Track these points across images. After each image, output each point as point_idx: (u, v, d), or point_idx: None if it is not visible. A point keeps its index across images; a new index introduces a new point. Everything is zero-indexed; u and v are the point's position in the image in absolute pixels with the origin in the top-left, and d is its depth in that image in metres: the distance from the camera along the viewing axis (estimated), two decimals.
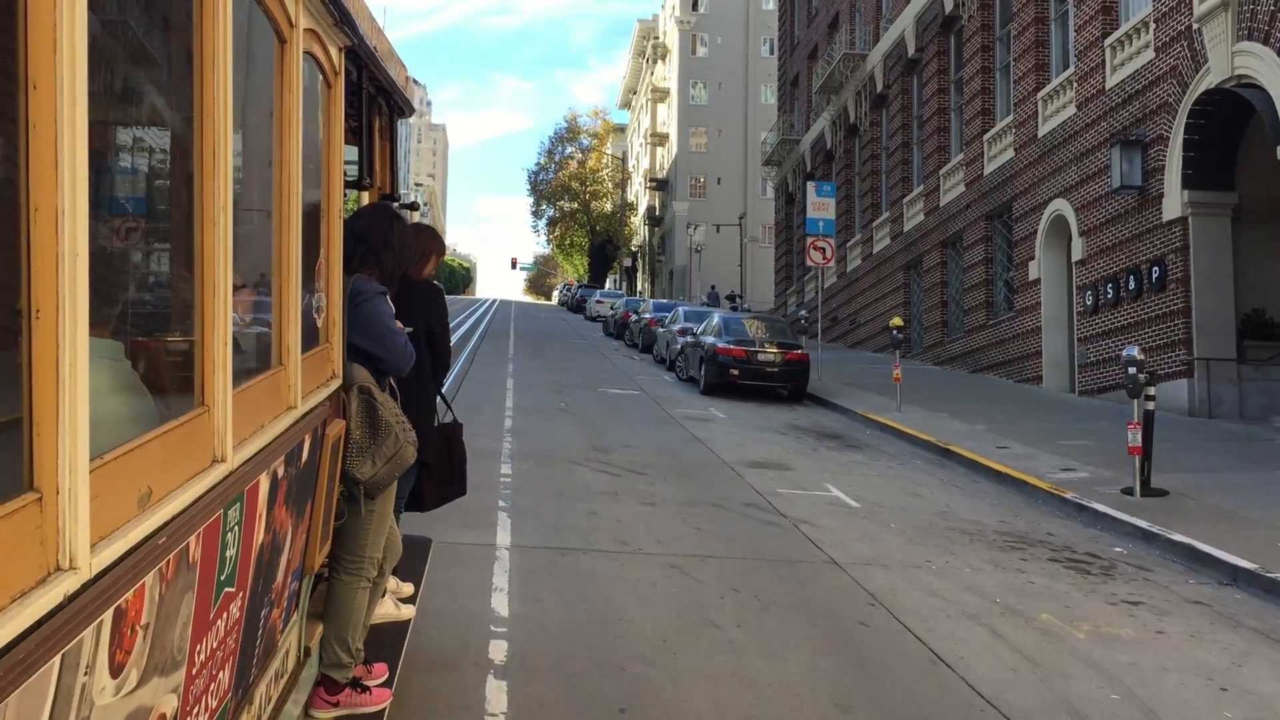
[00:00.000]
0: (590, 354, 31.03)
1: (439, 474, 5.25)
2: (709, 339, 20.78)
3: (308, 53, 3.35)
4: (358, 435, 3.91)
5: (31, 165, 1.53)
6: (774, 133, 46.44)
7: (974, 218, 25.16)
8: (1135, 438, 10.78)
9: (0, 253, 1.56)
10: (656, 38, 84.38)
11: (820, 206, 23.77)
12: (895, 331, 18.06)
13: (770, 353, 19.89)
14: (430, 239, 5.27)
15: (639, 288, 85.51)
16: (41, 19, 1.53)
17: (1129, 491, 10.87)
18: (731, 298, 54.07)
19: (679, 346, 24.26)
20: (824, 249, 23.58)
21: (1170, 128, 17.22)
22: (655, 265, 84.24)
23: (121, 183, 2.38)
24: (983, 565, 8.44)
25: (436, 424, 5.21)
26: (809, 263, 24.19)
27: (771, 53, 76.50)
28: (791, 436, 15.53)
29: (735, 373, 19.70)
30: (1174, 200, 17.16)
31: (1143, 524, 9.69)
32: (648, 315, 32.45)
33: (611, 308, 44.72)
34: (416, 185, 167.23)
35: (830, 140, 37.33)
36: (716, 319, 21.69)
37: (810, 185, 24.57)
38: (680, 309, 27.53)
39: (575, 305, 66.00)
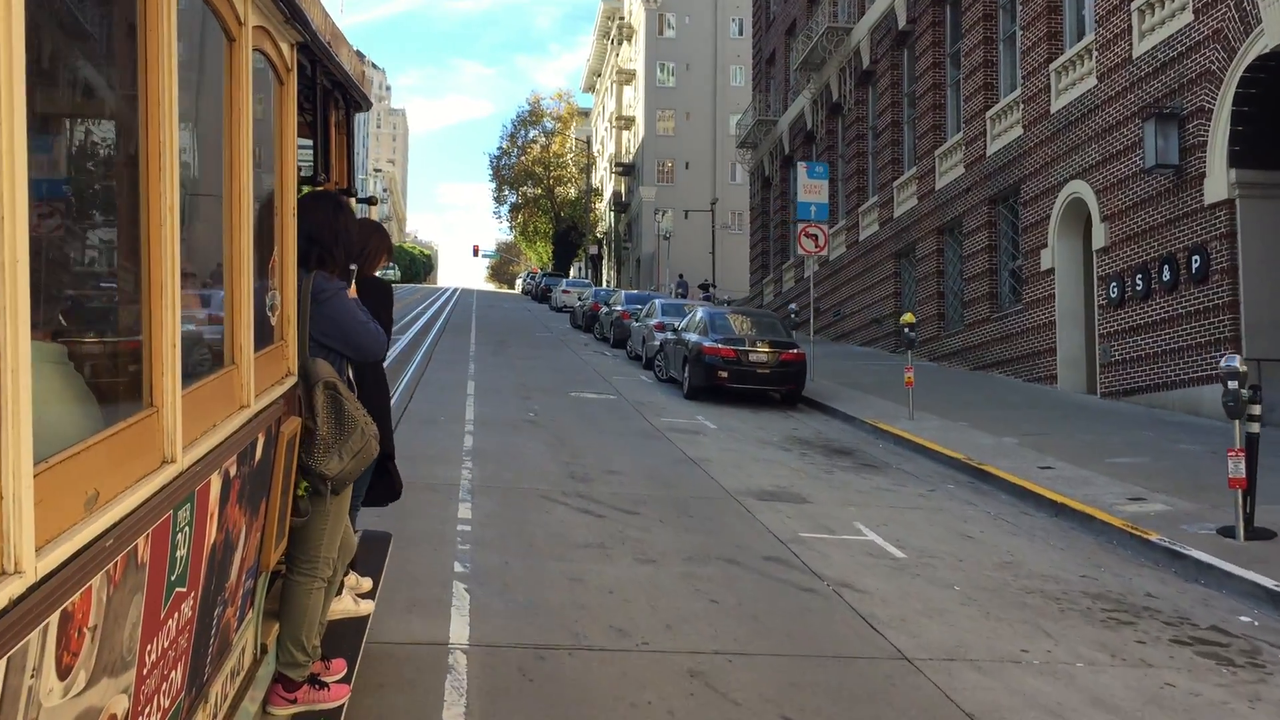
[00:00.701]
0: (558, 350, 28.82)
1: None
2: (693, 336, 18.68)
3: (258, 49, 3.33)
4: (324, 431, 3.89)
5: None
6: (748, 114, 44.34)
7: (975, 201, 23.22)
8: (1237, 468, 8.79)
9: None
10: (622, 18, 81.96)
11: (812, 190, 21.72)
12: (907, 329, 16.02)
13: (762, 352, 17.82)
14: (379, 239, 5.15)
15: (605, 276, 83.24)
16: None
17: (1228, 532, 8.90)
18: (704, 286, 52.06)
19: (657, 343, 22.16)
20: (816, 235, 21.54)
21: (1213, 99, 15.29)
22: (621, 253, 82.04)
23: (65, 182, 2.36)
24: (1096, 655, 6.40)
25: None
26: (800, 251, 22.11)
27: (742, 33, 74.57)
28: (797, 453, 13.46)
29: (724, 375, 17.61)
30: (1218, 181, 15.24)
31: (1269, 583, 7.71)
32: (620, 308, 30.29)
33: (579, 298, 42.47)
34: (375, 171, 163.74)
35: (811, 120, 35.30)
36: (701, 315, 19.58)
37: (800, 166, 22.48)
38: (657, 301, 25.41)
39: (540, 294, 63.64)
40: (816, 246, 21.69)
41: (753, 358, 17.77)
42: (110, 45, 2.42)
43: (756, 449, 13.56)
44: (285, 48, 3.76)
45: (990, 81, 22.95)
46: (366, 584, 5.24)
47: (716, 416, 16.43)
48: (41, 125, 2.08)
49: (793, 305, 22.98)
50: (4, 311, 1.57)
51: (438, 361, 22.61)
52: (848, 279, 31.32)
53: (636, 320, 26.10)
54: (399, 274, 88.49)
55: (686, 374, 18.45)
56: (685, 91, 73.75)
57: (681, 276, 55.57)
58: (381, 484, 5.23)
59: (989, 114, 22.71)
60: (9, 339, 1.58)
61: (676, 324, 21.41)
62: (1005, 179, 21.91)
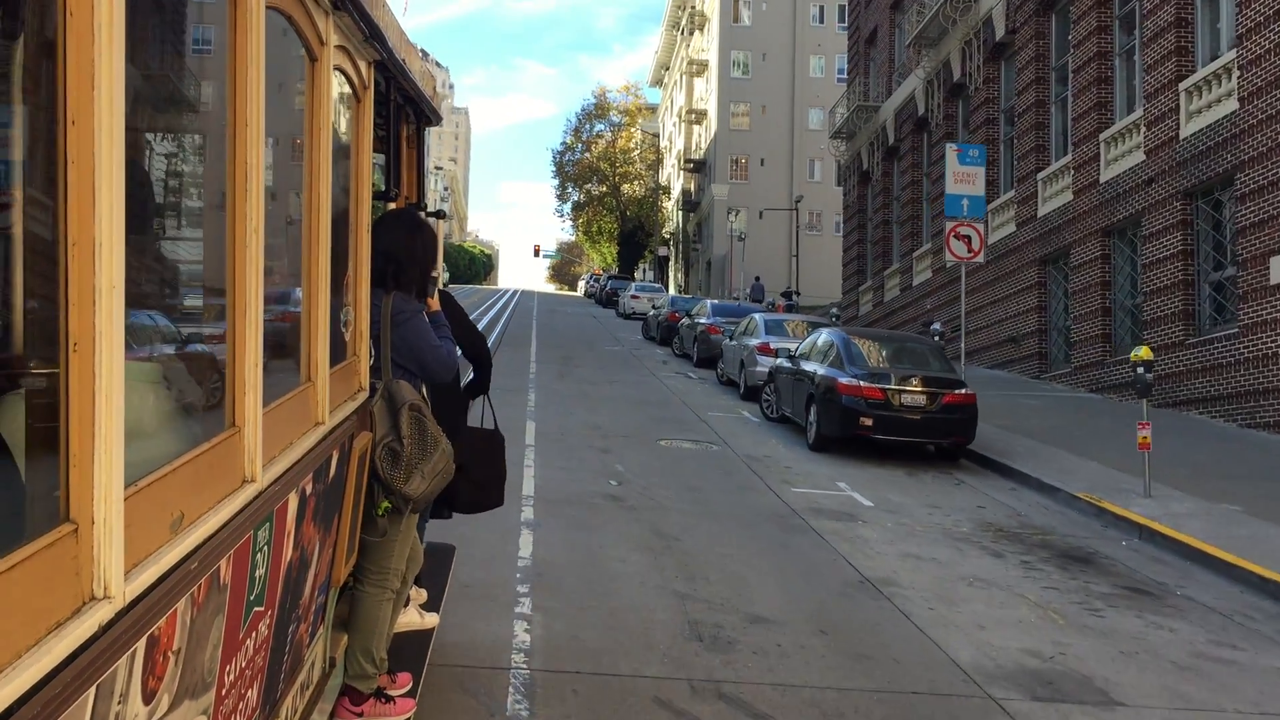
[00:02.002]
0: (633, 369, 24.49)
1: (476, 475, 5.15)
2: (819, 368, 14.25)
3: (338, 68, 3.38)
4: (409, 451, 3.90)
5: (70, 200, 1.55)
6: (843, 101, 39.69)
7: (1162, 195, 18.45)
8: None
9: (39, 286, 1.62)
10: (694, 6, 77.50)
11: (965, 178, 17.21)
12: (1140, 368, 11.36)
13: (918, 393, 13.33)
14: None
15: (672, 278, 78.90)
16: (80, 55, 1.54)
17: None
18: (787, 294, 47.50)
19: (762, 370, 17.80)
20: (969, 237, 17.00)
21: None
22: (690, 255, 77.67)
23: (157, 204, 2.36)
24: None
25: (479, 429, 5.33)
26: (950, 258, 17.54)
27: (823, 20, 69.80)
28: (1015, 561, 9.00)
29: (867, 423, 13.15)
30: None
31: None
32: (705, 320, 25.88)
33: (653, 305, 38.11)
34: (437, 169, 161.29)
35: (925, 104, 30.58)
36: (826, 338, 15.12)
37: (950, 150, 17.89)
38: (758, 318, 20.93)
39: (605, 299, 59.15)
40: (970, 251, 17.15)
41: (906, 399, 13.29)
42: (200, 71, 2.54)
43: (954, 554, 9.11)
44: (364, 65, 3.80)
45: (1184, 44, 18.18)
46: (423, 595, 5.13)
47: (864, 482, 12.01)
48: (137, 158, 2.08)
49: (936, 324, 18.32)
50: (100, 336, 1.59)
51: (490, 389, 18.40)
52: (971, 289, 26.58)
53: (730, 338, 21.67)
54: (448, 276, 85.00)
55: (813, 418, 14.01)
56: (761, 83, 69.02)
57: (758, 280, 51.04)
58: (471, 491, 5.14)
59: (1183, 86, 17.95)
60: (104, 363, 1.59)
61: (790, 347, 16.98)
62: (1209, 167, 17.15)
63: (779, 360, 16.48)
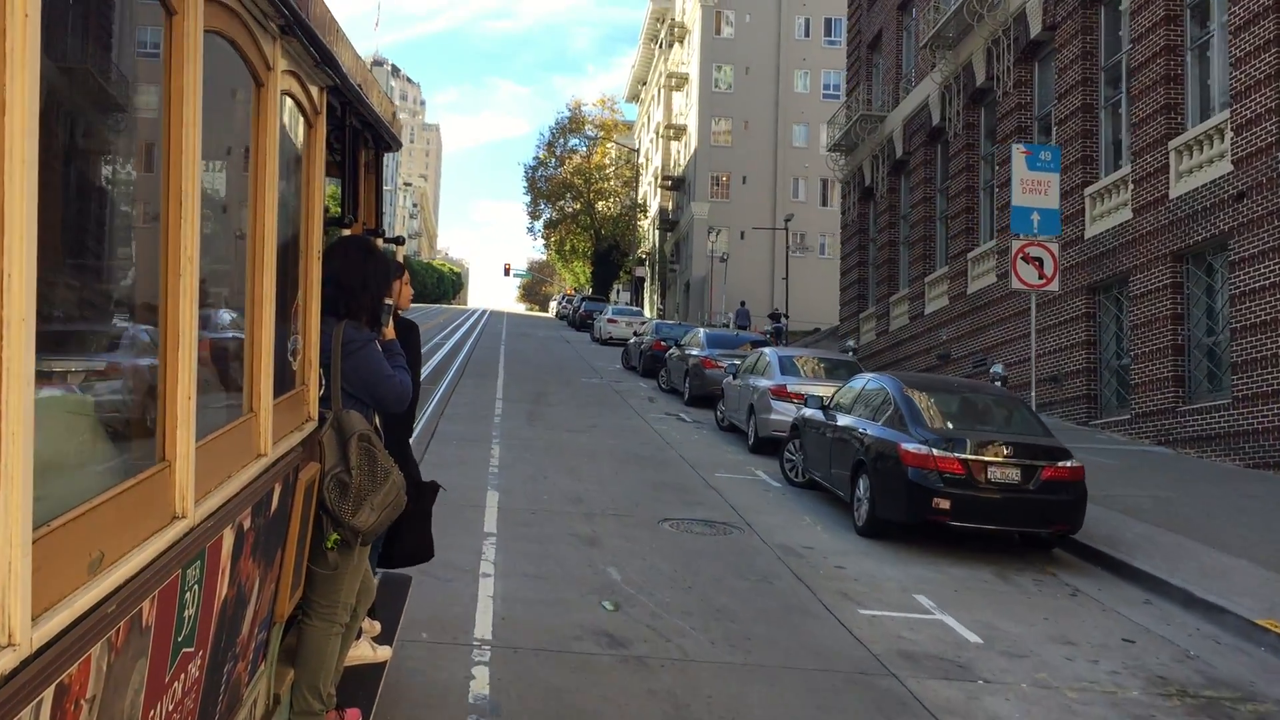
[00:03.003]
0: (616, 408, 21.09)
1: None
2: (870, 427, 10.96)
3: (286, 93, 3.30)
4: (359, 483, 3.82)
5: None
6: (842, 112, 36.63)
7: (1256, 214, 15.34)
8: None
9: None
10: (673, 18, 74.58)
11: (1035, 186, 14.01)
12: None
13: (1009, 465, 10.01)
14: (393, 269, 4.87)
15: (648, 301, 75.60)
16: None
17: None
18: (775, 316, 44.33)
19: (780, 419, 14.59)
20: (1040, 260, 13.79)
21: None
22: (667, 276, 74.46)
23: (84, 230, 2.28)
24: None
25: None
26: (1016, 284, 14.28)
27: (809, 34, 67.19)
28: None
29: (944, 505, 9.82)
30: None
31: None
32: (698, 352, 22.55)
33: (635, 332, 34.73)
34: (406, 185, 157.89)
35: (939, 112, 27.50)
36: (876, 387, 11.79)
37: (1018, 152, 14.60)
38: (771, 355, 17.42)
39: (579, 321, 55.62)
40: (1042, 276, 13.95)
41: (994, 474, 9.96)
42: (133, 93, 2.44)
43: None
44: (315, 91, 3.75)
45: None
46: (377, 627, 5.00)
47: (950, 594, 8.71)
48: (65, 178, 2.04)
49: (998, 367, 14.95)
50: (7, 372, 1.52)
51: (445, 436, 14.96)
52: (999, 319, 23.47)
53: (733, 375, 18.32)
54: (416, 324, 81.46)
55: (863, 493, 10.69)
56: (744, 97, 65.85)
57: (743, 304, 47.88)
58: (409, 537, 5.05)
59: None
60: (10, 401, 1.52)
61: (815, 392, 13.68)
62: None
63: (806, 411, 13.14)
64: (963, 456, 9.90)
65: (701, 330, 25.70)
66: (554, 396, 22.11)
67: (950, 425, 10.54)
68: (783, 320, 43.67)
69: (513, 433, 16.04)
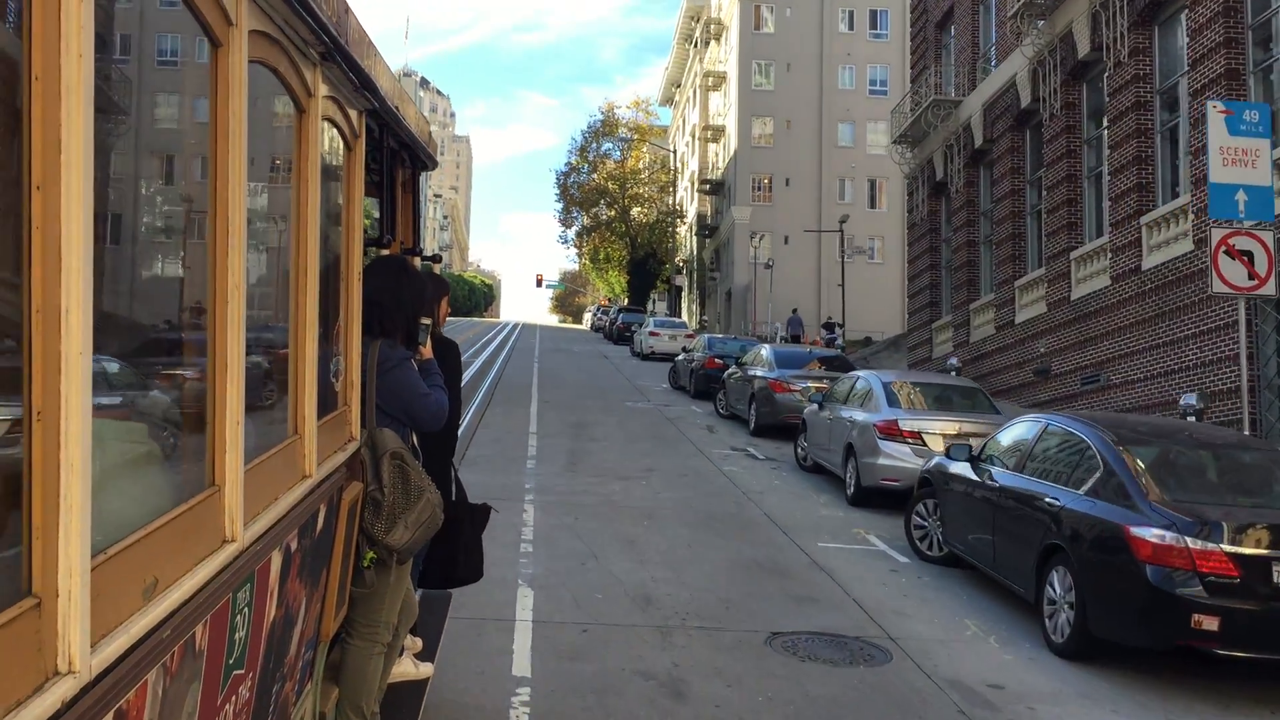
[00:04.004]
0: (673, 443, 17.79)
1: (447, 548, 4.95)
2: (1071, 499, 7.67)
3: (327, 118, 3.34)
4: (391, 501, 3.83)
5: (35, 266, 1.52)
6: (906, 100, 33.20)
7: None
8: None
9: (6, 354, 1.56)
10: (709, 16, 71.36)
11: (1240, 156, 10.61)
12: None
13: None
14: (435, 288, 4.86)
15: (685, 310, 72.24)
16: (47, 118, 1.52)
17: None
18: (829, 326, 40.86)
19: (896, 465, 11.40)
20: (1250, 254, 10.40)
21: None
22: (706, 284, 71.11)
23: (135, 258, 2.35)
24: None
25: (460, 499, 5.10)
26: (1220, 286, 10.85)
27: (851, 27, 63.97)
28: None
29: (1210, 626, 6.45)
30: None
31: None
32: (766, 373, 19.27)
33: (683, 347, 31.40)
34: (436, 196, 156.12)
35: (1031, 92, 23.92)
36: (1059, 432, 8.48)
37: (1214, 111, 11.15)
38: (872, 380, 13.95)
39: (616, 334, 52.18)
40: (1255, 278, 10.53)
41: None
42: (181, 122, 2.51)
43: None
44: (354, 115, 3.77)
45: None
46: (418, 644, 5.00)
47: None
48: (114, 217, 2.09)
49: (1191, 397, 11.33)
50: (66, 405, 1.54)
51: (473, 481, 11.69)
52: (1113, 328, 19.97)
53: (819, 405, 14.97)
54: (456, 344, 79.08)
55: (1068, 596, 7.33)
56: (785, 95, 62.45)
57: (795, 312, 44.45)
58: (456, 559, 5.01)
59: None
60: (69, 432, 1.55)
61: (941, 430, 10.36)
62: None
63: (948, 463, 9.86)
64: (1235, 550, 6.50)
65: (766, 347, 22.19)
66: (597, 428, 18.90)
67: (1200, 497, 7.16)
68: (837, 331, 40.31)
69: (550, 484, 12.85)
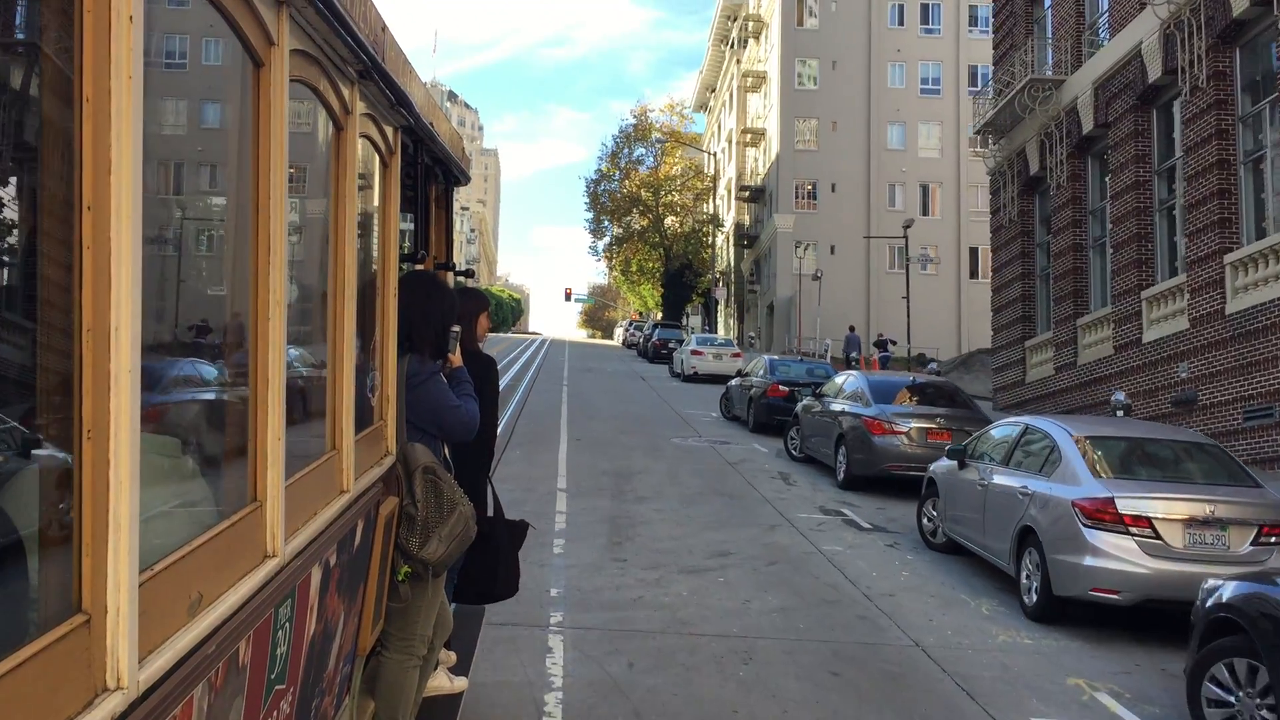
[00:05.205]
0: (745, 503, 13.73)
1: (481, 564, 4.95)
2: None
3: (364, 135, 3.37)
4: (424, 515, 3.83)
5: (85, 285, 1.53)
6: (989, 88, 29.05)
7: None
8: None
9: (54, 370, 1.55)
10: (748, 12, 67.42)
11: None
12: None
13: None
14: (473, 303, 5.09)
15: (723, 325, 68.07)
16: (97, 139, 1.53)
17: None
18: (881, 344, 36.62)
19: (1112, 571, 7.57)
20: None
21: None
22: (746, 297, 66.98)
23: (178, 278, 2.33)
24: None
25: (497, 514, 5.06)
26: None
27: (900, 22, 60.09)
28: None
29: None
30: None
31: None
32: (857, 409, 15.15)
33: (739, 370, 27.29)
34: (464, 209, 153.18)
35: (1161, 63, 19.83)
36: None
37: None
38: (1057, 435, 9.37)
39: (652, 352, 47.80)
40: None
41: None
42: (223, 142, 2.50)
43: None
44: (390, 131, 3.82)
45: None
46: (452, 658, 5.02)
47: None
48: (158, 234, 2.07)
49: (1118, 395, 7.36)
50: (115, 422, 1.53)
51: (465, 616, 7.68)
52: (1215, 344, 15.75)
53: (959, 462, 10.79)
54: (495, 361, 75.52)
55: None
56: (830, 95, 58.47)
57: (852, 329, 40.34)
58: (495, 573, 4.96)
59: None
60: (119, 450, 1.55)
61: (1188, 512, 6.81)
62: None
63: (1267, 592, 5.69)
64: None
65: (856, 375, 17.52)
66: (642, 478, 14.92)
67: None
68: (889, 348, 36.09)
69: (586, 586, 8.88)
